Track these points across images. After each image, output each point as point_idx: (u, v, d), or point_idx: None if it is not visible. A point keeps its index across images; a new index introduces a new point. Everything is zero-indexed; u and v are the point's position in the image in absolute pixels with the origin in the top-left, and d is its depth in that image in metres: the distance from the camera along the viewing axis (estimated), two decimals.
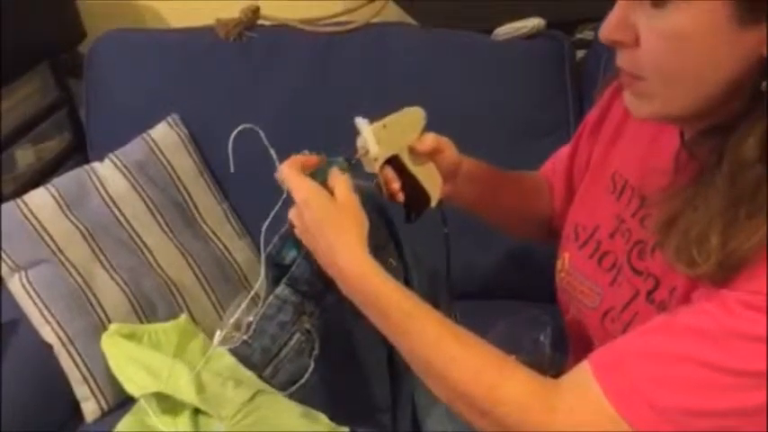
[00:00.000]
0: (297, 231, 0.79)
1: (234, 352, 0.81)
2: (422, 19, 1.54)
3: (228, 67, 1.50)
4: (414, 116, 0.89)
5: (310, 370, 0.80)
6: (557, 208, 1.06)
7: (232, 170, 0.90)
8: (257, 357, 0.81)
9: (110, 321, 1.28)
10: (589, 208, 0.90)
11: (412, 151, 0.88)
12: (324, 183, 0.80)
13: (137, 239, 1.35)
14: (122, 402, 1.24)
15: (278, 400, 1.11)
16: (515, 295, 1.42)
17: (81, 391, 1.24)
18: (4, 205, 1.31)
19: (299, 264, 0.81)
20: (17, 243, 1.28)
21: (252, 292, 0.82)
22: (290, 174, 0.80)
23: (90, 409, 1.24)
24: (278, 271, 0.83)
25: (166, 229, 1.38)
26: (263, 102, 1.49)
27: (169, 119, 1.46)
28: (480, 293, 1.41)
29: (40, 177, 1.64)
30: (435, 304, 0.91)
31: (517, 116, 1.36)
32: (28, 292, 1.26)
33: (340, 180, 0.80)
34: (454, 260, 1.40)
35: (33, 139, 1.65)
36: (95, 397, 1.24)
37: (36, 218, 1.29)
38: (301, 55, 1.49)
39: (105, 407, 1.25)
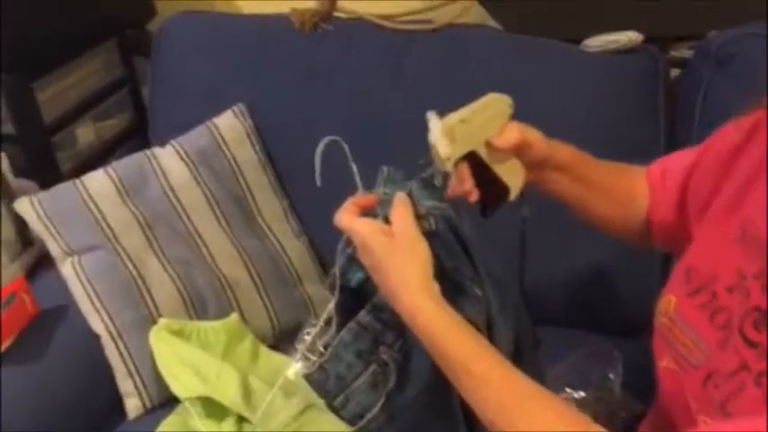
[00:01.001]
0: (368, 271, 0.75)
1: (309, 378, 0.76)
2: (507, 23, 1.46)
3: (301, 58, 1.44)
4: (498, 106, 0.81)
5: (380, 404, 0.74)
6: (656, 220, 0.96)
7: (318, 184, 0.84)
8: (331, 384, 0.76)
9: (160, 315, 1.23)
10: (709, 253, 0.80)
11: (492, 146, 0.81)
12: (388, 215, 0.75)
13: (193, 232, 1.30)
14: (167, 401, 1.20)
15: (328, 419, 1.06)
16: (587, 324, 1.34)
17: (125, 385, 1.20)
18: (63, 185, 1.28)
19: (378, 297, 0.76)
20: (73, 226, 1.24)
21: (324, 315, 0.76)
22: (344, 220, 0.77)
23: (133, 406, 1.20)
24: (342, 294, 0.78)
25: (224, 223, 1.32)
26: (333, 97, 1.42)
27: (235, 108, 1.40)
28: (549, 319, 1.33)
29: (98, 156, 1.61)
30: (516, 335, 0.84)
31: (604, 134, 1.26)
32: (79, 278, 1.22)
33: (396, 213, 0.76)
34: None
35: (95, 117, 1.62)
36: (139, 393, 1.20)
37: (94, 202, 1.25)
38: (377, 51, 1.42)
39: (149, 404, 1.21)
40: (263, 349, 1.31)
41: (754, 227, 0.75)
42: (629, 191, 0.97)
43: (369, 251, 0.75)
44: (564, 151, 0.89)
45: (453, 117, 0.78)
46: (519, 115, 1.36)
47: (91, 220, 1.24)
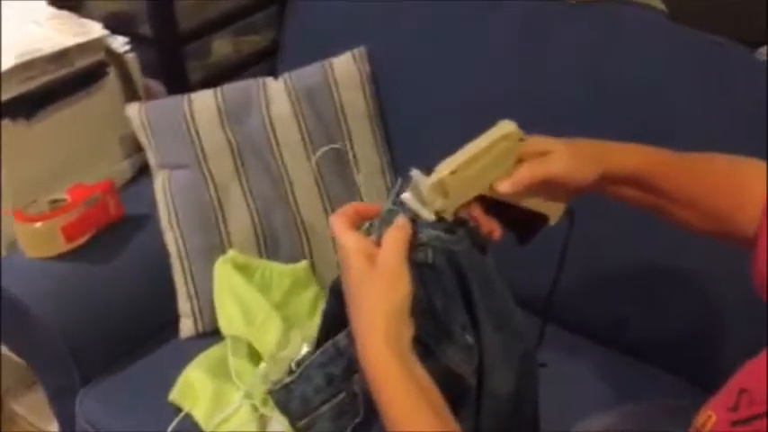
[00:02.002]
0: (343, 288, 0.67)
1: (272, 395, 0.71)
2: (675, 10, 1.26)
3: (439, 12, 1.33)
4: (504, 140, 0.67)
5: None
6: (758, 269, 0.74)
7: None
8: (296, 405, 0.70)
9: (230, 246, 1.24)
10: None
11: (497, 188, 0.68)
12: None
13: (282, 169, 1.28)
14: (219, 330, 1.22)
15: None
16: (674, 367, 1.17)
17: (184, 306, 1.23)
18: (171, 99, 1.30)
19: None
20: (169, 141, 1.26)
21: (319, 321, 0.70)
22: (336, 225, 0.68)
23: (187, 326, 1.23)
24: (335, 300, 0.71)
25: (315, 167, 1.29)
26: (464, 58, 1.31)
27: (355, 51, 1.34)
28: (630, 349, 1.18)
29: (231, 71, 1.62)
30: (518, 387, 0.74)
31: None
32: (165, 193, 1.25)
33: (388, 238, 0.65)
34: (607, 308, 1.20)
35: (236, 31, 1.61)
36: (194, 316, 1.22)
37: (195, 121, 1.25)
38: (521, 16, 1.29)
39: (201, 329, 1.23)
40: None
41: None
42: (729, 209, 0.76)
43: (346, 269, 0.67)
44: (627, 162, 0.73)
45: (442, 169, 0.66)
46: (667, 115, 1.17)
47: (186, 139, 1.25)
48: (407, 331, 0.64)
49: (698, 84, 1.14)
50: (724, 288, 1.06)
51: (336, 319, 0.70)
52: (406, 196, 0.66)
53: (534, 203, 0.71)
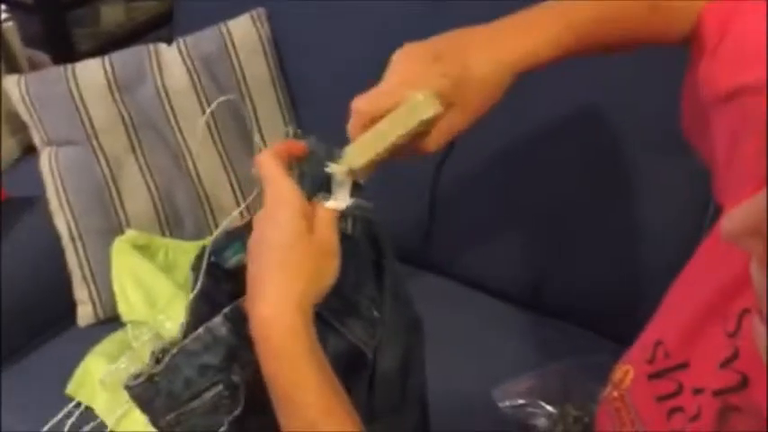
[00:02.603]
0: (248, 244, 0.59)
1: (132, 390, 0.60)
2: None
3: None
4: (417, 119, 0.58)
5: None
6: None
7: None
8: (160, 402, 0.60)
9: (128, 226, 1.16)
10: (686, 332, 0.59)
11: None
12: (306, 182, 0.59)
13: (181, 143, 1.20)
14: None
15: None
16: (592, 324, 1.16)
17: (80, 292, 1.15)
18: (53, 69, 1.20)
19: (239, 303, 0.60)
20: (54, 115, 1.16)
21: (192, 295, 0.63)
22: (272, 169, 0.58)
23: (85, 314, 1.15)
24: (210, 278, 0.64)
25: (216, 137, 1.21)
26: (368, 15, 1.25)
27: (254, 12, 1.26)
28: (551, 310, 1.16)
29: (124, 40, 1.52)
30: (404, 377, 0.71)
31: None
32: (52, 172, 1.15)
33: (326, 214, 0.59)
34: (526, 267, 1.17)
35: None
36: (93, 303, 1.14)
37: (80, 93, 1.16)
38: None
39: (102, 315, 1.15)
40: None
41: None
42: (657, 41, 0.67)
43: (273, 223, 0.57)
44: (540, 57, 0.62)
45: (356, 158, 0.59)
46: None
47: (73, 112, 1.15)
48: (311, 312, 0.57)
49: None
50: (637, 241, 1.06)
51: (211, 301, 0.63)
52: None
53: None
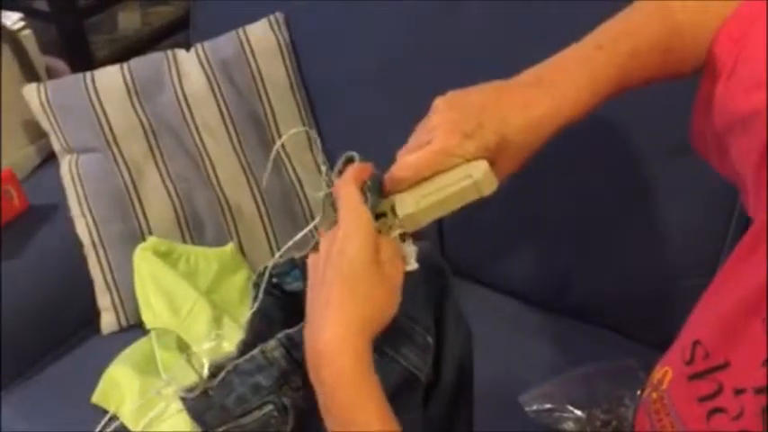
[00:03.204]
0: (310, 266, 0.59)
1: (187, 402, 0.62)
2: None
3: None
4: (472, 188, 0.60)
5: None
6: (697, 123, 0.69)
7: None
8: (212, 415, 0.62)
9: (150, 232, 1.16)
10: (725, 331, 0.59)
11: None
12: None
13: (201, 148, 1.19)
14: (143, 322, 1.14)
15: None
16: (618, 327, 1.15)
17: (102, 300, 1.15)
18: (72, 77, 1.20)
19: (299, 329, 0.61)
20: (74, 123, 1.17)
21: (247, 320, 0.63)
22: (351, 196, 0.59)
23: (108, 321, 1.15)
24: (270, 298, 0.65)
25: (236, 143, 1.21)
26: (385, 20, 1.24)
27: (272, 17, 1.26)
28: (576, 313, 1.15)
29: (141, 46, 1.52)
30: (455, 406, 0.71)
31: None
32: (73, 179, 1.16)
33: (394, 248, 0.59)
34: (551, 269, 1.17)
35: (143, 2, 1.51)
36: (116, 310, 1.14)
37: (100, 100, 1.16)
38: None
39: (124, 322, 1.15)
40: None
41: None
42: (674, 77, 0.69)
43: (343, 250, 0.58)
44: (567, 117, 0.64)
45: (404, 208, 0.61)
46: None
47: (93, 119, 1.15)
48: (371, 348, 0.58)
49: None
50: (663, 243, 1.05)
51: (269, 319, 0.64)
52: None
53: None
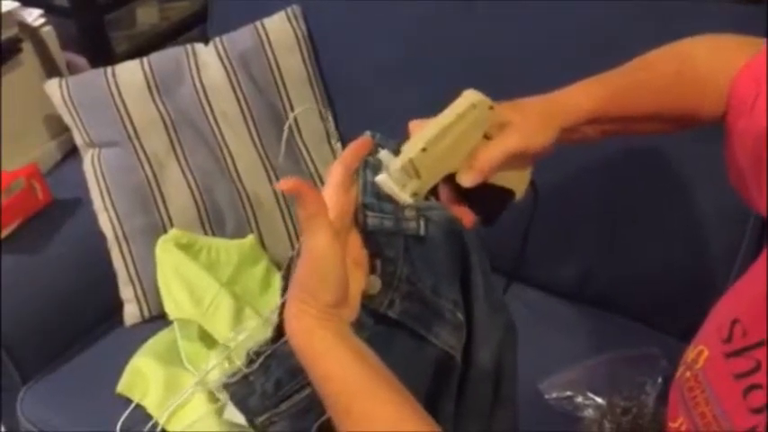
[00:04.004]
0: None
1: (230, 387, 0.64)
2: None
3: None
4: (475, 110, 0.61)
5: None
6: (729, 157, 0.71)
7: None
8: (254, 402, 0.63)
9: (171, 225, 1.17)
10: (763, 308, 0.59)
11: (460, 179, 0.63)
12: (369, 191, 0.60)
13: (221, 141, 1.20)
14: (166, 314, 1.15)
15: None
16: (640, 315, 1.14)
17: (126, 292, 1.16)
18: (93, 72, 1.21)
19: None
20: (96, 117, 1.18)
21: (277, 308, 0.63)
22: (331, 177, 0.58)
23: (130, 313, 1.16)
24: None
25: (255, 136, 1.22)
26: (404, 12, 1.24)
27: (288, 10, 1.26)
28: (597, 302, 1.15)
29: (160, 41, 1.53)
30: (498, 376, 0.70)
31: None
32: (95, 173, 1.17)
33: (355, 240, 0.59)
34: (573, 259, 1.16)
35: None
36: (138, 302, 1.16)
37: (121, 95, 1.17)
38: None
39: (147, 314, 1.16)
40: (278, 279, 1.22)
41: None
42: (690, 110, 0.71)
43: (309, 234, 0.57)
44: (578, 111, 0.67)
45: (412, 146, 0.60)
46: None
47: (114, 114, 1.17)
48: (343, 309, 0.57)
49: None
50: (686, 232, 1.04)
51: None
52: (381, 179, 0.60)
53: (500, 178, 0.65)
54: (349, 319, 0.58)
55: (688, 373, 0.65)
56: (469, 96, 0.63)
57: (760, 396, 0.56)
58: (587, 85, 0.70)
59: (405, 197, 0.59)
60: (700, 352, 0.65)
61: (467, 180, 0.63)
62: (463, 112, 0.61)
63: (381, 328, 0.61)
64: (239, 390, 0.62)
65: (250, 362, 0.62)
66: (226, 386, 0.63)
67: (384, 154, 0.60)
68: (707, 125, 0.71)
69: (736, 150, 0.68)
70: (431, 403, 0.63)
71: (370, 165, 0.61)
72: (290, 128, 1.25)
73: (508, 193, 0.67)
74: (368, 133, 0.64)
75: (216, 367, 1.02)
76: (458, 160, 0.62)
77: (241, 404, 0.63)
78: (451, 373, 0.64)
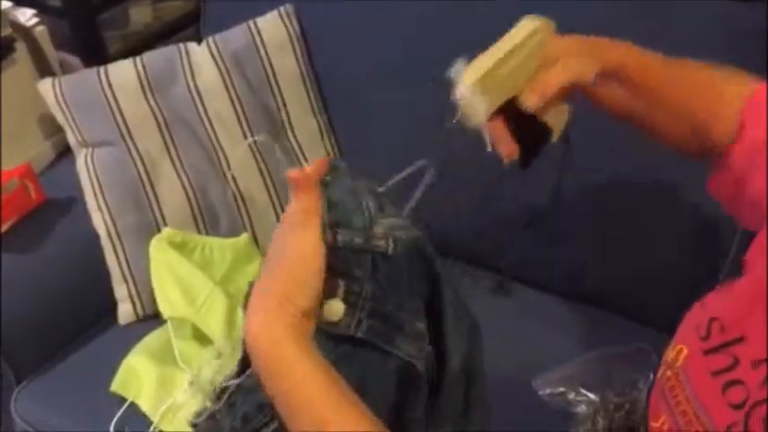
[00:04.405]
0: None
1: (198, 428, 0.62)
2: None
3: None
4: (533, 40, 0.65)
5: None
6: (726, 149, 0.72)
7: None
8: None
9: (165, 224, 1.17)
10: (741, 306, 0.61)
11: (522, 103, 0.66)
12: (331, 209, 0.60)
13: (214, 140, 1.20)
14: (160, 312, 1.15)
15: None
16: (632, 312, 1.15)
17: (120, 290, 1.16)
18: (86, 72, 1.21)
19: None
20: (89, 117, 1.18)
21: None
22: (310, 189, 0.60)
23: (125, 312, 1.16)
24: None
25: (249, 134, 1.21)
26: (396, 11, 1.24)
27: (281, 9, 1.26)
28: (590, 299, 1.16)
29: (153, 40, 1.53)
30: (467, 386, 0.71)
31: None
32: (89, 172, 1.17)
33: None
34: (566, 256, 1.17)
35: None
36: (132, 301, 1.16)
37: (114, 94, 1.17)
38: None
39: (141, 313, 1.17)
40: None
41: None
42: (706, 118, 0.72)
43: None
44: (615, 56, 0.69)
45: (481, 64, 0.63)
46: None
47: (108, 113, 1.17)
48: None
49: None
50: (678, 229, 1.05)
51: None
52: (460, 78, 0.64)
53: (544, 109, 0.67)
54: (311, 333, 0.58)
55: (669, 372, 0.66)
56: (530, 22, 0.67)
57: (738, 392, 0.57)
58: (626, 43, 0.71)
59: (478, 106, 0.63)
60: (679, 351, 0.66)
61: (531, 101, 0.66)
62: (525, 37, 0.65)
63: (344, 348, 0.60)
64: (208, 429, 0.61)
65: (217, 398, 0.61)
66: (193, 426, 0.62)
67: (458, 66, 0.64)
68: (714, 151, 0.72)
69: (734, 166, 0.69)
70: (398, 412, 0.63)
71: (329, 184, 0.62)
72: (283, 126, 1.25)
73: (547, 132, 0.69)
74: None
75: (210, 367, 1.02)
76: (520, 83, 0.65)
77: None
78: (416, 382, 0.64)
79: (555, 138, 0.70)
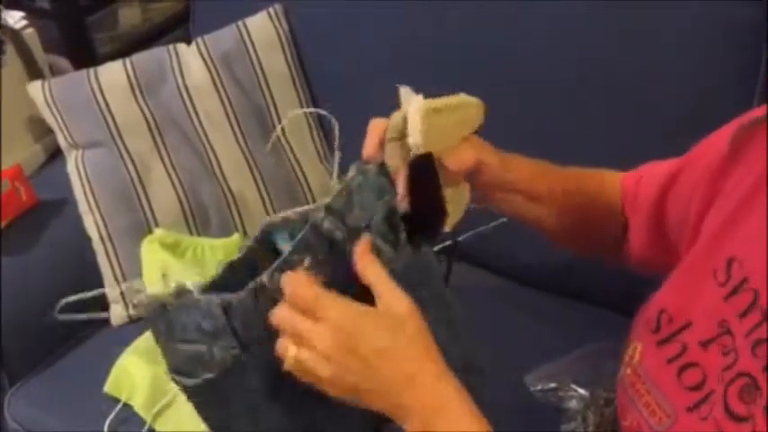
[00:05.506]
0: (325, 351, 0.59)
1: (145, 304, 0.65)
2: None
3: None
4: (471, 111, 0.67)
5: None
6: (632, 246, 0.81)
7: None
8: (160, 325, 0.64)
9: (156, 225, 1.17)
10: (684, 294, 0.65)
11: (444, 161, 0.67)
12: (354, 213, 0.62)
13: (204, 141, 1.21)
14: None
15: None
16: (622, 308, 1.15)
17: (112, 292, 1.16)
18: (76, 74, 1.21)
19: (242, 298, 0.61)
20: (79, 119, 1.18)
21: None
22: (377, 271, 0.61)
23: (117, 314, 1.17)
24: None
25: (239, 135, 1.22)
26: (385, 10, 1.24)
27: (270, 9, 1.27)
28: (581, 295, 1.16)
29: (143, 42, 1.53)
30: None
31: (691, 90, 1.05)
32: (79, 174, 1.17)
33: (371, 272, 0.61)
34: (555, 252, 1.17)
35: None
36: (125, 302, 1.16)
37: (104, 95, 1.18)
38: None
39: (134, 314, 1.17)
40: None
41: (738, 267, 0.58)
42: (593, 199, 0.83)
43: (398, 331, 0.60)
44: (519, 170, 0.75)
45: (430, 102, 0.63)
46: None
47: (98, 115, 1.17)
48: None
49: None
50: None
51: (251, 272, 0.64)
52: (412, 101, 0.63)
53: (450, 192, 0.68)
54: None
55: (628, 370, 0.69)
56: (465, 97, 0.68)
57: (694, 374, 0.61)
58: (529, 159, 0.79)
59: (418, 137, 0.62)
60: (635, 348, 0.69)
61: (454, 162, 0.68)
62: (461, 103, 0.66)
63: None
64: (151, 310, 0.65)
65: (177, 294, 0.64)
66: (138, 302, 0.66)
67: (406, 90, 0.64)
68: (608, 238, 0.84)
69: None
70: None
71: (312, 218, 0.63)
72: (274, 125, 1.26)
73: (441, 215, 0.68)
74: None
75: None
76: (448, 143, 0.66)
77: (148, 321, 0.66)
78: None
79: (449, 225, 0.69)
